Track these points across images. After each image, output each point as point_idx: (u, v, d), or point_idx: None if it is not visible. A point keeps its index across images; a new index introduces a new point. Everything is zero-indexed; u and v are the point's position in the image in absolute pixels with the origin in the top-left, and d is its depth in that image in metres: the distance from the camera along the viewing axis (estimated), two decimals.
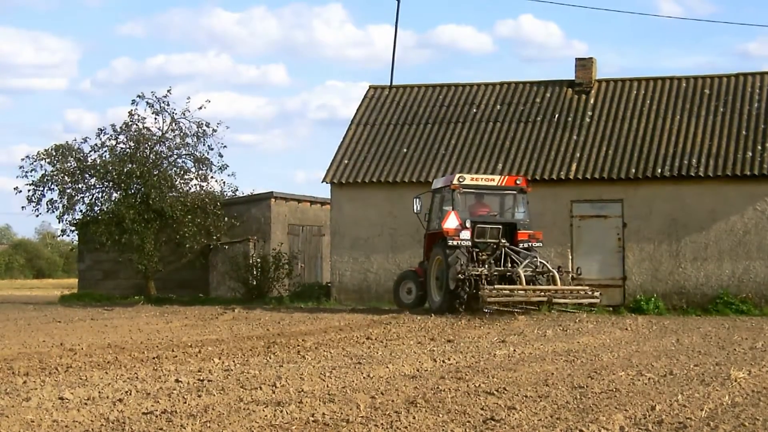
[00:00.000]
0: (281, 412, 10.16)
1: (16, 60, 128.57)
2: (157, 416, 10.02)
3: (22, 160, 33.26)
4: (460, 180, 25.09)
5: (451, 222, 24.48)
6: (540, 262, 24.37)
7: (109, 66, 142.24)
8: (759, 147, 27.41)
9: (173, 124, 33.43)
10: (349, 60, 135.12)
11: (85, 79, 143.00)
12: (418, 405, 10.60)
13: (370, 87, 32.53)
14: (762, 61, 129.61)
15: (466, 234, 24.39)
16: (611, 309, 26.06)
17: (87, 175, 33.12)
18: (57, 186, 32.86)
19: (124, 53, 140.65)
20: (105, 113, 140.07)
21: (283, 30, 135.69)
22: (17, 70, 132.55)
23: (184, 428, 9.45)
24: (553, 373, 13.20)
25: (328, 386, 11.96)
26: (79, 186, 33.15)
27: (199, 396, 11.16)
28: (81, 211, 33.26)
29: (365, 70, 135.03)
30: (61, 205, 32.90)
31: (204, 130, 33.40)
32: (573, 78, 30.91)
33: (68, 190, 32.96)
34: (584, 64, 30.87)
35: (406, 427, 9.57)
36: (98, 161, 33.06)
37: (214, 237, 33.32)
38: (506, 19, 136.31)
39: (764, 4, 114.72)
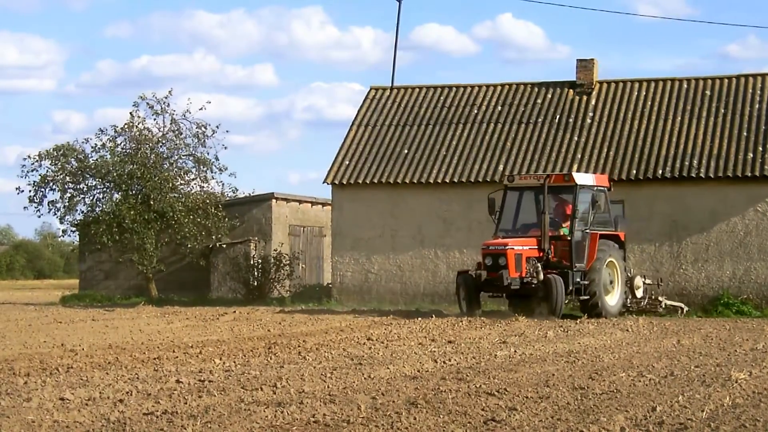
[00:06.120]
0: (282, 412, 10.17)
1: (1, 61, 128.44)
2: (157, 417, 10.03)
3: (24, 159, 33.38)
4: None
5: None
6: None
7: (95, 68, 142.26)
8: (760, 148, 27.40)
9: (173, 125, 33.48)
10: (333, 62, 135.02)
11: (72, 81, 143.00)
12: (418, 406, 10.61)
13: (371, 88, 32.52)
14: (743, 63, 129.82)
15: None
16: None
17: (88, 176, 33.14)
18: (58, 186, 32.89)
19: (109, 55, 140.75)
20: (93, 114, 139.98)
21: (264, 33, 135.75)
22: (2, 71, 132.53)
23: (185, 429, 9.46)
24: (554, 374, 13.20)
25: (328, 387, 11.97)
26: (80, 186, 33.19)
27: (200, 396, 11.17)
28: (82, 211, 33.30)
29: (350, 72, 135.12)
30: (62, 206, 32.94)
31: (204, 131, 33.45)
32: (574, 79, 30.89)
33: (69, 191, 33.00)
34: (585, 65, 30.83)
35: (406, 428, 9.57)
36: (99, 162, 33.08)
37: (215, 238, 33.33)
38: (486, 20, 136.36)
39: (742, 6, 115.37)
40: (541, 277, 22.99)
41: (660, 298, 25.69)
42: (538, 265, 23.17)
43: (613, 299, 24.15)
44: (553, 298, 22.92)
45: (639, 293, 25.07)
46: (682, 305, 25.97)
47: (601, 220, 24.45)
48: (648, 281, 25.67)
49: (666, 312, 25.44)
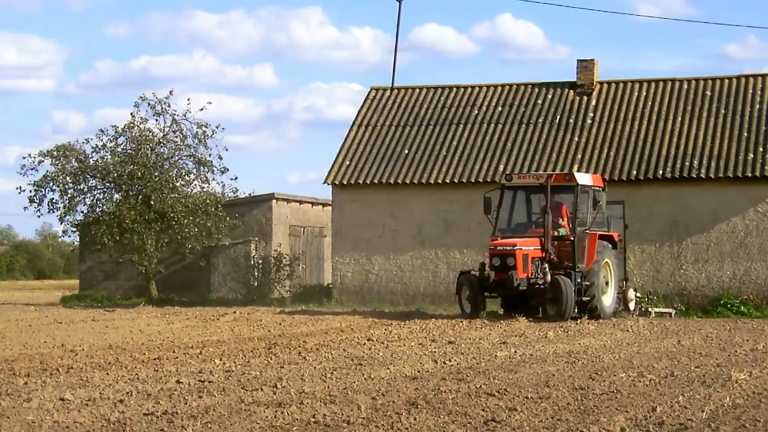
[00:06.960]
0: (282, 413, 10.18)
1: (1, 61, 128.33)
2: (158, 417, 10.03)
3: (24, 158, 33.42)
4: None
5: None
6: None
7: (95, 68, 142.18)
8: (760, 149, 27.41)
9: (174, 126, 33.49)
10: (333, 62, 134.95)
11: (71, 81, 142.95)
12: (419, 406, 10.61)
13: (372, 88, 32.53)
14: (743, 63, 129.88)
15: None
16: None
17: (88, 176, 33.16)
18: (58, 186, 32.91)
19: (109, 55, 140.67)
20: (92, 115, 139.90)
21: (264, 33, 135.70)
22: (2, 71, 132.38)
23: (185, 429, 9.47)
24: (554, 375, 13.21)
25: (329, 387, 11.97)
26: (81, 187, 33.20)
27: (200, 397, 11.18)
28: (82, 212, 33.33)
29: (350, 72, 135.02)
30: (62, 206, 32.96)
31: (204, 132, 33.46)
32: (574, 79, 30.89)
33: (69, 191, 33.02)
34: (585, 66, 30.83)
35: (407, 428, 9.58)
36: (100, 162, 33.09)
37: (216, 238, 33.34)
38: (485, 21, 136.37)
39: (742, 6, 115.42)
40: (549, 278, 22.90)
41: (650, 310, 25.75)
42: (546, 266, 23.09)
43: (608, 300, 24.14)
44: (563, 301, 22.75)
45: (631, 306, 25.06)
46: (670, 311, 26.04)
47: (597, 220, 24.44)
48: (638, 295, 25.70)
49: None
